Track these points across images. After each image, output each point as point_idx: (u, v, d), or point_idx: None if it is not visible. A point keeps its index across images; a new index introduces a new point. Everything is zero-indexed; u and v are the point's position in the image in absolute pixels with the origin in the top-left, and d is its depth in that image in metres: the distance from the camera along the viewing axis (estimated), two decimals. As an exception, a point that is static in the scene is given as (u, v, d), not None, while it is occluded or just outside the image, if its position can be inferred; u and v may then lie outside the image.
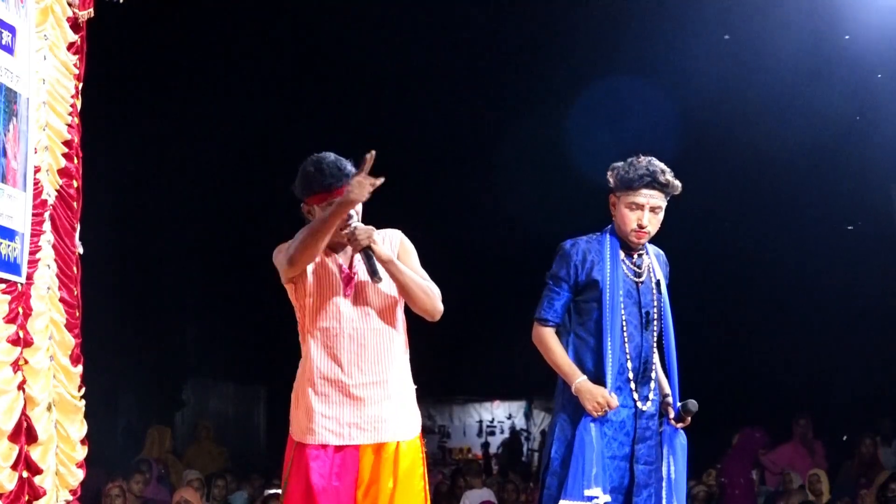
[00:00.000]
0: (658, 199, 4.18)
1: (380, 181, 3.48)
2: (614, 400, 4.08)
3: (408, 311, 3.92)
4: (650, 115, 9.35)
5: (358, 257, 3.77)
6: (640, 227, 4.17)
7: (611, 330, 4.12)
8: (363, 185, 3.48)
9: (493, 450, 18.71)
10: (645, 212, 4.17)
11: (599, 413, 4.06)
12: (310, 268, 3.76)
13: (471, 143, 10.41)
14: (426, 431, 15.58)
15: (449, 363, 13.78)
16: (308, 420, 3.74)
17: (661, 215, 4.21)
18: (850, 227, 10.74)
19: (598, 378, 4.12)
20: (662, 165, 4.20)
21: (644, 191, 4.16)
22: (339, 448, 3.73)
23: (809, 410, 10.35)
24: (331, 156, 3.76)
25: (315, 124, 9.47)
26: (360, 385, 3.74)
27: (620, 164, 4.24)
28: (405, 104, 9.71)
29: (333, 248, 3.83)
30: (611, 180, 4.24)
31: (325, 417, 3.72)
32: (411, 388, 3.89)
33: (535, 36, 8.97)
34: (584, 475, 4.03)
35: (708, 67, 8.50)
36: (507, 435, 19.05)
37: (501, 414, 20.17)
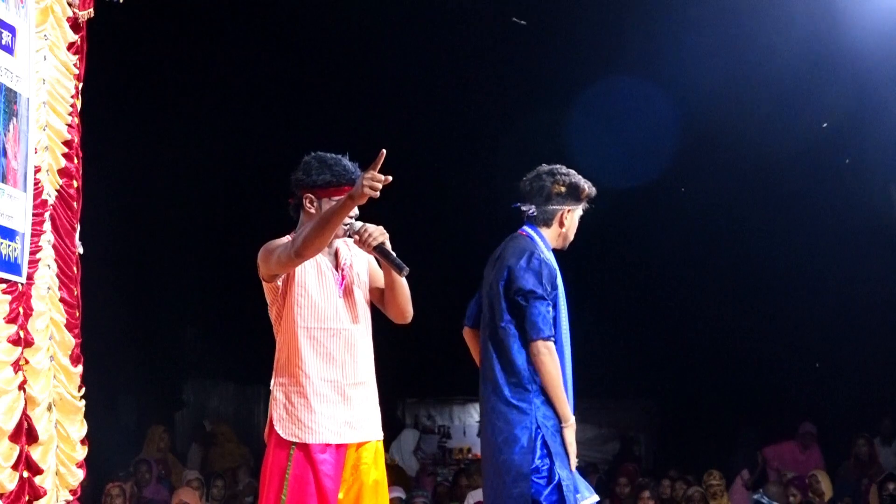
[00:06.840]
0: None
1: (389, 179, 3.47)
2: None
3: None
4: (650, 115, 9.34)
5: (348, 258, 3.86)
6: None
7: (566, 344, 4.22)
8: (375, 182, 3.46)
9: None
10: None
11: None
12: (306, 265, 3.79)
13: (471, 143, 10.39)
14: (426, 431, 15.63)
15: (449, 363, 13.75)
16: (308, 420, 3.76)
17: None
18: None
19: None
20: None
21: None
22: (338, 447, 3.78)
23: (810, 413, 10.33)
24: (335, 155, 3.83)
25: (315, 125, 9.46)
26: (352, 385, 3.82)
27: (567, 172, 4.36)
28: (405, 104, 9.69)
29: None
30: (563, 189, 4.36)
31: (326, 417, 3.77)
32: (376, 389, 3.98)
33: (535, 35, 8.96)
34: (580, 481, 4.19)
35: (708, 67, 8.48)
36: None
37: (501, 414, 20.13)
